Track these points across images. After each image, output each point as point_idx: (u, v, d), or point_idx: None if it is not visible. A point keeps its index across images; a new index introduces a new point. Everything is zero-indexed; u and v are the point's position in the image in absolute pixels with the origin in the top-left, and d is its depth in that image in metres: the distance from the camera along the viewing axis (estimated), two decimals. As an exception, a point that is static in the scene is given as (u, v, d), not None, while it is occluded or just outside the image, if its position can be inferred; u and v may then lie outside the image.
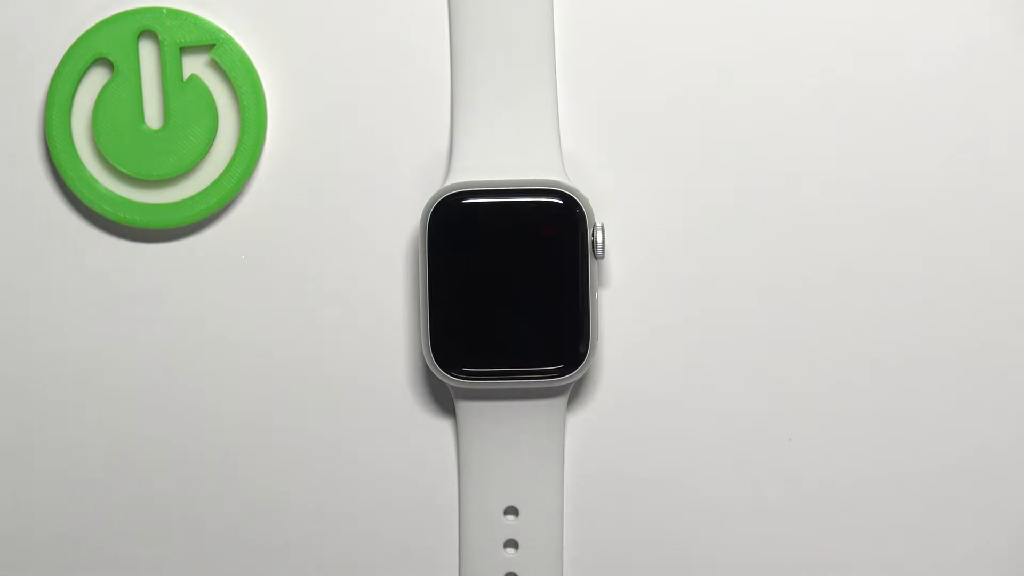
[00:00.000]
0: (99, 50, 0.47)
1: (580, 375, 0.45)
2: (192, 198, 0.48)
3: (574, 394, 0.48)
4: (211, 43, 0.48)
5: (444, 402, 0.49)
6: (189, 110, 0.48)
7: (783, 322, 0.48)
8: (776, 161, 0.48)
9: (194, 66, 0.48)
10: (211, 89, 0.48)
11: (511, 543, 0.48)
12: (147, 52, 0.48)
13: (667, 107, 0.48)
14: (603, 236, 0.45)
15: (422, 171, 0.48)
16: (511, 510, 0.48)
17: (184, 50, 0.48)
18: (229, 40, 0.48)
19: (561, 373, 0.45)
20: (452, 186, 0.45)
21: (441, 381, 0.47)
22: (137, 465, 0.49)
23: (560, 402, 0.47)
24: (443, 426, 0.49)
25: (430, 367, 0.46)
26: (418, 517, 0.49)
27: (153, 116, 0.48)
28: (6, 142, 0.48)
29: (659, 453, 0.49)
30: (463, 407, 0.47)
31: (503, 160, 0.46)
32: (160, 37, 0.47)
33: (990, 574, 0.49)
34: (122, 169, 0.48)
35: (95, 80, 0.48)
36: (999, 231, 0.48)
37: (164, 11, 0.47)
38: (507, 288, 0.45)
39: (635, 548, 0.49)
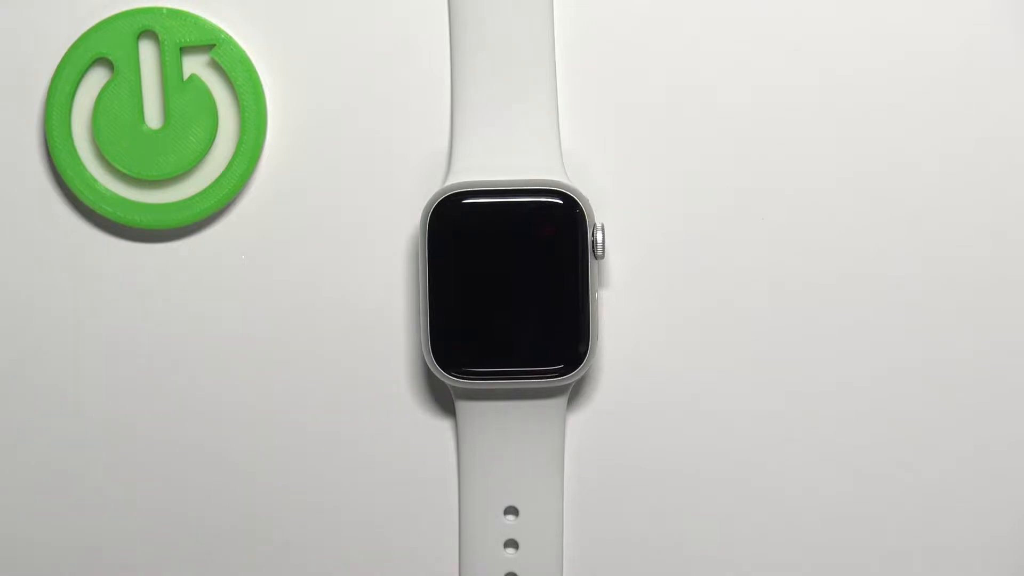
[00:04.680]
0: (99, 50, 0.47)
1: (580, 375, 0.45)
2: (192, 198, 0.48)
3: (574, 394, 0.48)
4: (211, 43, 0.48)
5: (444, 402, 0.49)
6: (189, 110, 0.48)
7: (783, 322, 0.48)
8: (776, 161, 0.48)
9: (194, 66, 0.48)
10: (211, 89, 0.48)
11: (511, 543, 0.48)
12: (147, 52, 0.48)
13: (667, 107, 0.48)
14: (603, 236, 0.45)
15: (422, 171, 0.48)
16: (511, 510, 0.48)
17: (184, 50, 0.48)
18: (229, 40, 0.48)
19: (561, 373, 0.45)
20: (452, 186, 0.45)
21: (441, 381, 0.47)
22: (137, 464, 0.49)
23: (560, 402, 0.47)
24: (443, 426, 0.49)
25: (430, 367, 0.46)
26: (418, 517, 0.49)
27: (153, 116, 0.48)
28: (6, 142, 0.48)
29: (659, 453, 0.49)
30: (463, 407, 0.47)
31: (503, 160, 0.46)
32: (160, 37, 0.47)
33: (990, 574, 0.49)
34: (122, 169, 0.48)
35: (95, 80, 0.48)
36: (999, 231, 0.48)
37: (164, 11, 0.47)
38: (507, 288, 0.45)
39: (635, 548, 0.49)
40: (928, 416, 0.48)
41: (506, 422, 0.47)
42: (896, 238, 0.48)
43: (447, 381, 0.46)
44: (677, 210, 0.48)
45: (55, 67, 0.47)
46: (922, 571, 0.49)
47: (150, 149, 0.48)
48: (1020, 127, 0.47)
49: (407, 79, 0.48)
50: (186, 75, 0.48)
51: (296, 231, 0.48)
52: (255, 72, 0.48)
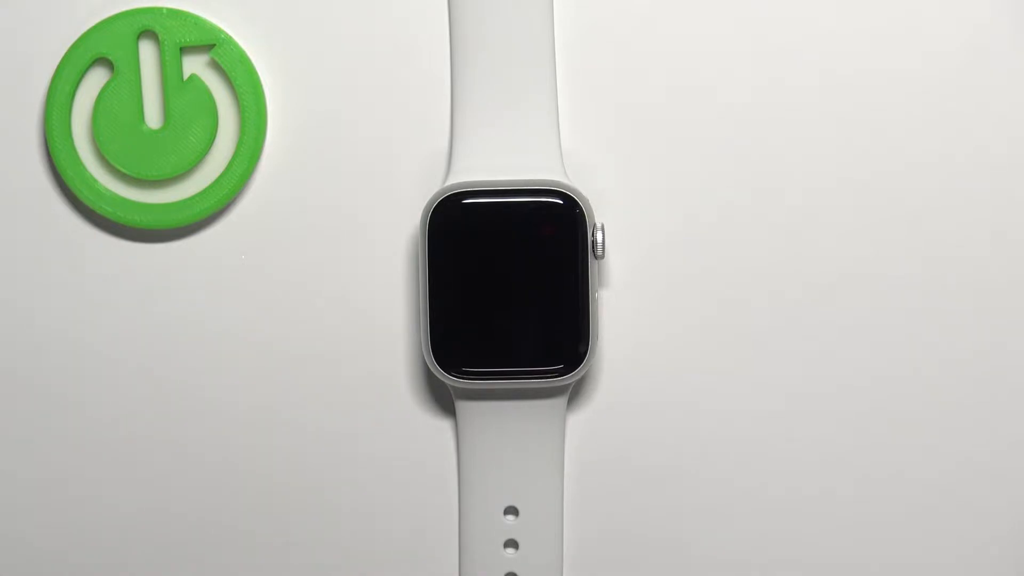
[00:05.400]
0: (99, 50, 0.47)
1: (580, 375, 0.45)
2: (192, 198, 0.48)
3: (574, 394, 0.48)
4: (211, 43, 0.48)
5: (444, 402, 0.49)
6: (189, 110, 0.48)
7: (783, 321, 0.48)
8: (776, 161, 0.48)
9: (194, 66, 0.48)
10: (211, 89, 0.48)
11: (511, 543, 0.48)
12: (147, 52, 0.48)
13: (667, 107, 0.48)
14: (603, 236, 0.45)
15: (422, 171, 0.48)
16: (511, 510, 0.48)
17: (184, 50, 0.48)
18: (229, 40, 0.48)
19: (561, 373, 0.45)
20: (452, 186, 0.45)
21: (441, 381, 0.47)
22: (137, 464, 0.49)
23: (560, 402, 0.47)
24: (443, 426, 0.49)
25: (430, 367, 0.46)
26: (418, 517, 0.49)
27: (153, 116, 0.48)
28: (6, 142, 0.48)
29: (659, 453, 0.49)
30: (463, 407, 0.47)
31: (503, 160, 0.46)
32: (160, 37, 0.47)
33: (990, 574, 0.49)
34: (122, 169, 0.48)
35: (95, 80, 0.48)
36: (999, 231, 0.48)
37: (164, 11, 0.47)
38: (507, 288, 0.45)
39: (635, 548, 0.49)
40: (928, 416, 0.48)
41: (506, 422, 0.47)
42: (896, 238, 0.48)
43: (447, 381, 0.46)
44: (677, 210, 0.48)
45: (55, 67, 0.47)
46: (922, 570, 0.49)
47: (150, 149, 0.48)
48: (1020, 127, 0.47)
49: (407, 79, 0.48)
50: (186, 75, 0.48)
51: (296, 231, 0.48)
52: (255, 72, 0.48)
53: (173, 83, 0.47)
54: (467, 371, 0.45)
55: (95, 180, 0.48)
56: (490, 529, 0.48)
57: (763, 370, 0.48)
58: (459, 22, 0.47)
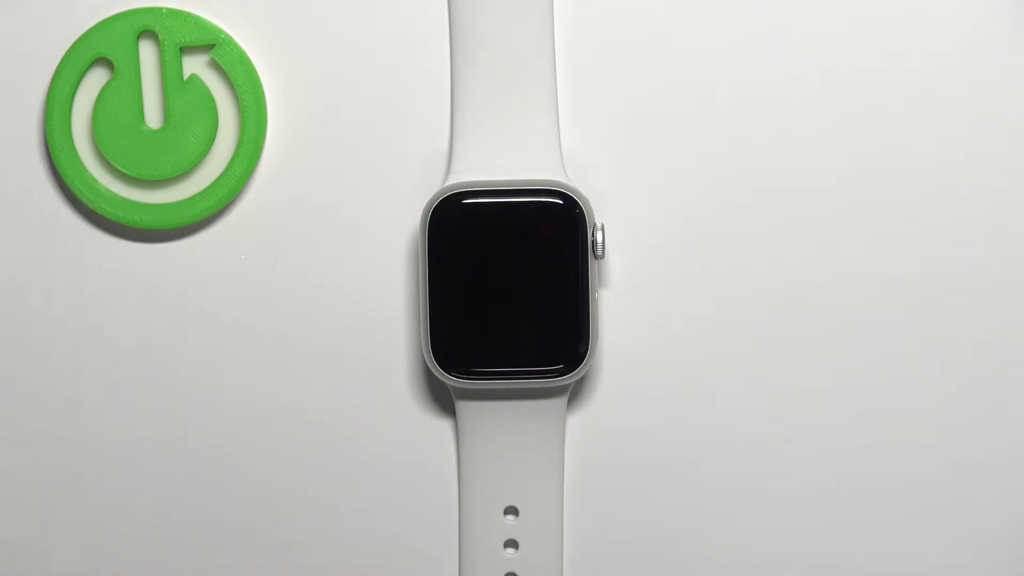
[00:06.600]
0: (99, 50, 0.47)
1: (580, 375, 0.45)
2: (192, 198, 0.48)
3: (574, 394, 0.48)
4: (211, 43, 0.48)
5: (444, 402, 0.49)
6: (189, 110, 0.48)
7: (783, 322, 0.48)
8: (776, 161, 0.48)
9: (194, 66, 0.48)
10: (211, 89, 0.48)
11: (511, 543, 0.48)
12: (147, 52, 0.48)
13: (667, 107, 0.48)
14: (603, 236, 0.45)
15: (422, 171, 0.48)
16: (511, 510, 0.48)
17: (184, 50, 0.48)
18: (229, 40, 0.48)
19: (561, 373, 0.45)
20: (452, 186, 0.45)
21: (441, 381, 0.47)
22: (137, 464, 0.49)
23: (560, 402, 0.47)
24: (443, 426, 0.49)
25: (430, 367, 0.46)
26: (418, 517, 0.49)
27: (153, 116, 0.48)
28: (6, 142, 0.48)
29: (659, 453, 0.49)
30: (463, 407, 0.47)
31: (503, 160, 0.46)
32: (160, 37, 0.47)
33: (990, 574, 0.49)
34: (122, 169, 0.48)
35: (95, 80, 0.48)
36: (999, 231, 0.48)
37: (164, 11, 0.47)
38: (507, 288, 0.45)
39: (635, 548, 0.49)
40: (928, 416, 0.48)
41: (506, 422, 0.47)
42: (896, 238, 0.48)
43: (447, 381, 0.46)
44: (677, 210, 0.48)
45: (55, 67, 0.47)
46: (922, 570, 0.49)
47: (150, 149, 0.48)
48: (1020, 127, 0.47)
49: (407, 79, 0.48)
50: (186, 75, 0.48)
51: (296, 231, 0.48)
52: (255, 72, 0.48)
53: (173, 83, 0.47)
54: (467, 371, 0.45)
55: (95, 180, 0.48)
56: (490, 529, 0.48)
57: (763, 370, 0.48)
58: (459, 22, 0.47)
